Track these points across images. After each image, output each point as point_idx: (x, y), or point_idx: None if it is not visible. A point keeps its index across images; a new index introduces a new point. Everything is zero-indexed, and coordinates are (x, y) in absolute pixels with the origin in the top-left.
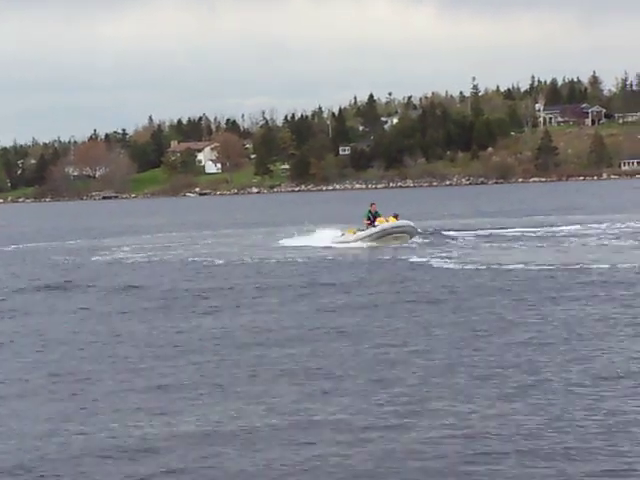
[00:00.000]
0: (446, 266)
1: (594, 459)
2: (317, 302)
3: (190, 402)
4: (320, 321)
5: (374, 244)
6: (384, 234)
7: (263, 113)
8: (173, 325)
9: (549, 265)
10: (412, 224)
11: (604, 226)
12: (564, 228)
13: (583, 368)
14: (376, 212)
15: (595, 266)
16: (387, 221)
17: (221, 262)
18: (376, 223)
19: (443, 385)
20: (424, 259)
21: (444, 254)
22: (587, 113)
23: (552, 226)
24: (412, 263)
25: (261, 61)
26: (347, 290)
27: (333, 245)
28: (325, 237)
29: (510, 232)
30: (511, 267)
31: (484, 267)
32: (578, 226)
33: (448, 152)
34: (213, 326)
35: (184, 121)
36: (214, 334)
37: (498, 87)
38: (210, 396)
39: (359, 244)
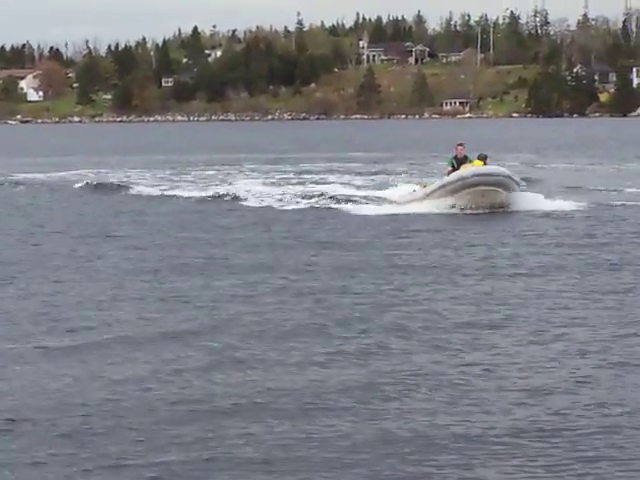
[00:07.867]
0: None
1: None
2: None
3: None
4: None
5: (449, 203)
6: (462, 186)
7: (87, 42)
8: None
9: None
10: (508, 172)
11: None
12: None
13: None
14: (465, 157)
15: None
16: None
17: None
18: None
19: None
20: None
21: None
22: (411, 52)
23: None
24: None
25: None
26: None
27: (384, 210)
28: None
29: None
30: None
31: None
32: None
33: (271, 87)
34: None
35: (7, 48)
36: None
37: (323, 23)
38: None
39: (426, 205)
